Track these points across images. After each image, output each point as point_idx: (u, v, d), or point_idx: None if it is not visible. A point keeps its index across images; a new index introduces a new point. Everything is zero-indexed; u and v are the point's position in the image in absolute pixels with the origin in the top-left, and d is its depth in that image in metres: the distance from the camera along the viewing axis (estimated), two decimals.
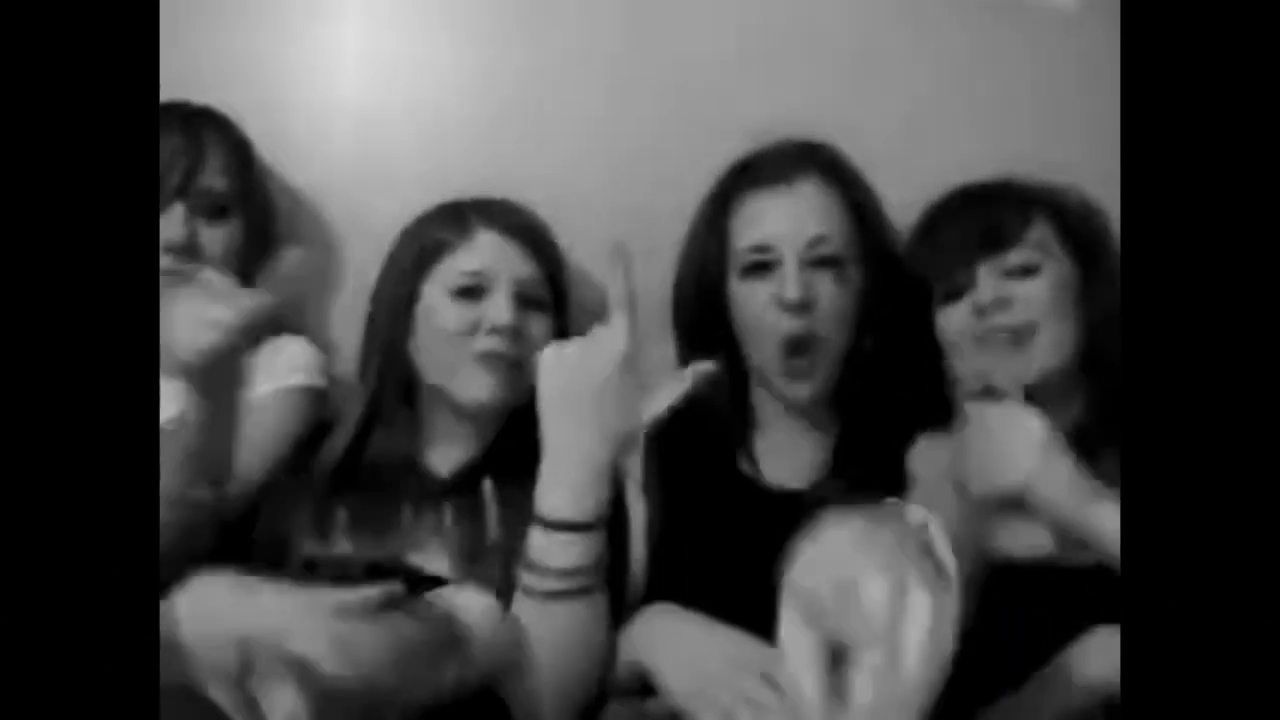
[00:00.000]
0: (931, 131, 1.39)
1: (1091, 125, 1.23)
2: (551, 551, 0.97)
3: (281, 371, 1.23)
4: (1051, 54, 1.42)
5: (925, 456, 1.15)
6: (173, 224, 1.17)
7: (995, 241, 1.13)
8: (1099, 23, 1.37)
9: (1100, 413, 1.11)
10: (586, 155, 1.39)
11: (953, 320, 1.14)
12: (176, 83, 1.17)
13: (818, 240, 1.15)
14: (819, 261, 1.15)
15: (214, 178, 1.21)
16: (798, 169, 1.18)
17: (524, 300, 1.15)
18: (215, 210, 1.20)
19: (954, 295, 1.14)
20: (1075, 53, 1.40)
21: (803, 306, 1.13)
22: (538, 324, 1.16)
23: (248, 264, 1.24)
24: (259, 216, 1.26)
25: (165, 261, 1.16)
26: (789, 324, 1.13)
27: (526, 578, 0.98)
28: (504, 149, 1.38)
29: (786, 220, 1.15)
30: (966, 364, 1.14)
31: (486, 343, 1.13)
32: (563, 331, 1.18)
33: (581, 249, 1.26)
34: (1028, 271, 1.12)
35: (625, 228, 1.32)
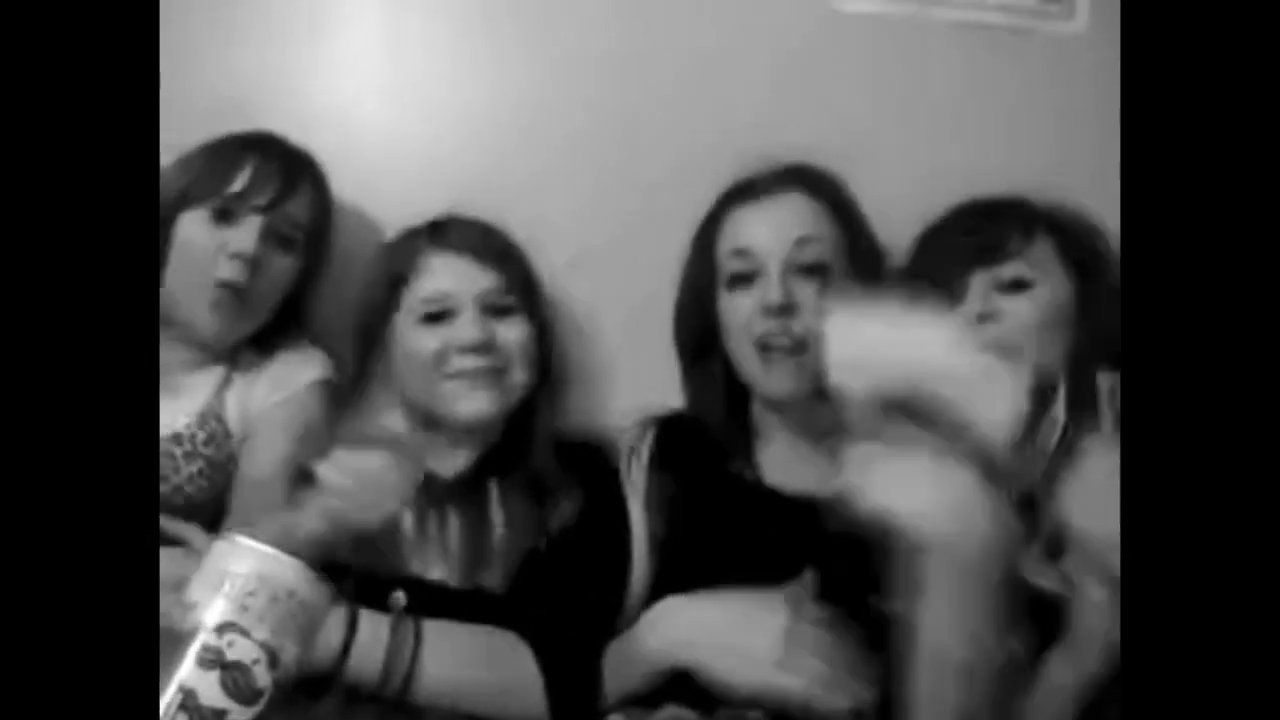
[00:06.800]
0: (938, 153, 1.40)
1: (1099, 147, 1.23)
2: None
3: (292, 379, 1.26)
4: (1061, 77, 1.43)
5: None
6: (245, 235, 1.19)
7: (992, 253, 1.12)
8: (1108, 45, 1.38)
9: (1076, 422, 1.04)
10: (588, 162, 1.41)
11: None
12: (186, 96, 1.23)
13: (801, 244, 1.14)
14: (804, 269, 1.14)
15: (299, 210, 1.24)
16: (782, 185, 1.19)
17: (492, 311, 1.18)
18: (285, 241, 1.23)
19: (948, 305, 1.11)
20: (1085, 75, 1.41)
21: (784, 309, 1.12)
22: (511, 329, 1.18)
23: (290, 297, 1.27)
24: (316, 262, 1.29)
25: (233, 268, 1.19)
26: (771, 327, 1.13)
27: None
28: (509, 160, 1.41)
29: (769, 228, 1.16)
30: None
31: (461, 363, 1.15)
32: (541, 329, 1.21)
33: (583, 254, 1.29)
34: (1020, 286, 1.11)
35: (626, 234, 1.37)
